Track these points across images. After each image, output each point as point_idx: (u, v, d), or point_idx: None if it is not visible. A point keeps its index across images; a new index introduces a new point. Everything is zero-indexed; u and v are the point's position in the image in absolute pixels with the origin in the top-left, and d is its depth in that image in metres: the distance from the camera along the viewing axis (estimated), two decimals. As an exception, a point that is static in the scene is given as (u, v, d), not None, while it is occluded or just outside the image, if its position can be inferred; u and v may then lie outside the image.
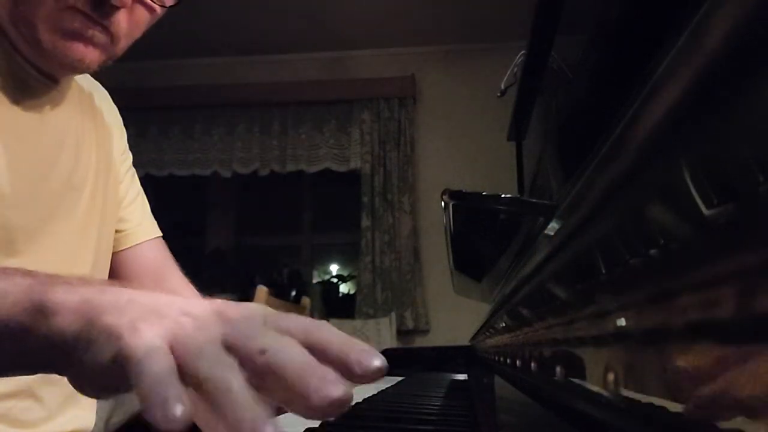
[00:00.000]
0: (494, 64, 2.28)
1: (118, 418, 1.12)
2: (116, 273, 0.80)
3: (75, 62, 0.60)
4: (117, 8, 0.58)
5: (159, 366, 0.27)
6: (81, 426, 0.72)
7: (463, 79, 3.01)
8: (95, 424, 0.76)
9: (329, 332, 0.31)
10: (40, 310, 0.32)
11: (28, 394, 0.65)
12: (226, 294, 2.89)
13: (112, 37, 0.60)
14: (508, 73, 1.55)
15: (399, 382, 1.25)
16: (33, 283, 0.34)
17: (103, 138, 0.77)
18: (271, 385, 0.27)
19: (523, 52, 1.26)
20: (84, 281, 0.35)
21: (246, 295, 2.69)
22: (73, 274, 0.39)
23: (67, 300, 0.32)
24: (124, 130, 0.85)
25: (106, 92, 0.83)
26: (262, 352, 0.28)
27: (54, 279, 0.35)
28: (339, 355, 0.29)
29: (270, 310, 0.32)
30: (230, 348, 0.29)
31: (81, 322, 0.31)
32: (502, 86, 1.56)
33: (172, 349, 0.28)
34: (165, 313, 0.30)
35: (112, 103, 0.84)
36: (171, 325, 0.29)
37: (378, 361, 0.29)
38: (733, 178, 0.14)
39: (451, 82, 3.05)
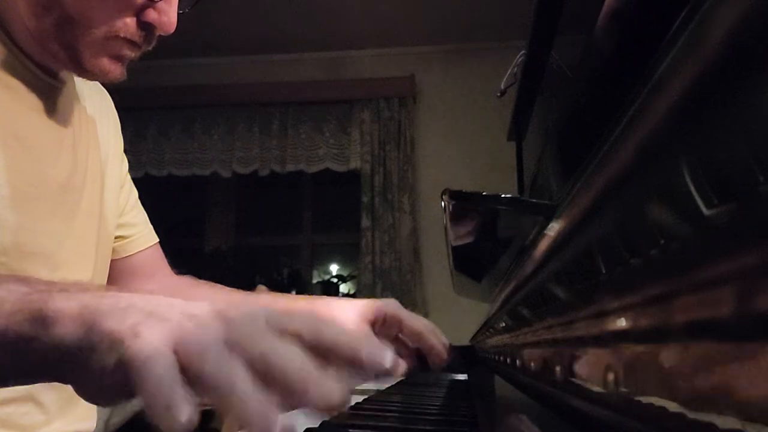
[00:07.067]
0: (494, 64, 2.28)
1: (119, 419, 1.12)
2: (115, 279, 0.80)
3: (108, 77, 0.62)
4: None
5: (162, 369, 0.27)
6: (81, 429, 0.71)
7: (463, 79, 3.01)
8: (95, 425, 0.76)
9: (338, 331, 0.31)
10: (40, 319, 0.31)
11: (28, 398, 0.64)
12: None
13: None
14: (508, 73, 1.55)
15: (399, 382, 1.25)
16: (29, 291, 0.33)
17: (97, 140, 0.76)
18: (272, 386, 0.28)
19: (523, 52, 1.26)
20: (80, 286, 0.34)
21: (246, 295, 2.68)
22: (69, 279, 0.38)
23: (66, 307, 0.31)
24: (121, 134, 0.84)
25: (105, 92, 0.82)
26: (261, 355, 0.28)
27: (50, 286, 0.34)
28: (350, 353, 0.30)
29: (274, 310, 0.32)
30: (232, 349, 0.29)
31: (82, 330, 0.30)
32: (502, 86, 1.56)
33: (175, 351, 0.28)
34: (166, 315, 0.30)
35: (111, 104, 0.83)
36: (173, 327, 0.29)
37: (389, 357, 0.30)
38: (733, 178, 0.14)
39: (451, 82, 3.04)
